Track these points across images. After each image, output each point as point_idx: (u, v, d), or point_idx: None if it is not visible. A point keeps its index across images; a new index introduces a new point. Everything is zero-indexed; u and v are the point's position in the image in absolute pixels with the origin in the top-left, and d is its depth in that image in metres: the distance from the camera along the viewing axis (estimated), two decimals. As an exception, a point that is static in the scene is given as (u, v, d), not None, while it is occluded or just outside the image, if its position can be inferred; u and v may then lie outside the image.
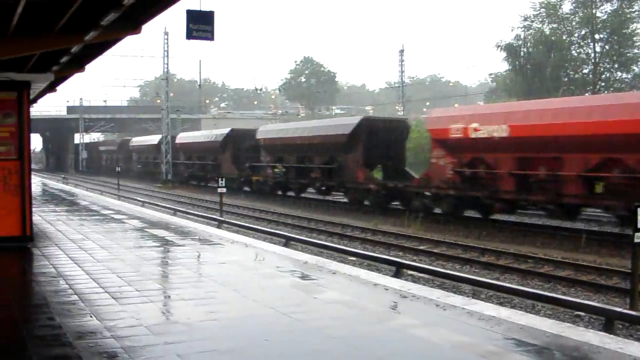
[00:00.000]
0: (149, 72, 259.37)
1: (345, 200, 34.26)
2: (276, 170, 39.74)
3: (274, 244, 16.49)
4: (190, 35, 15.60)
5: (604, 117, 20.14)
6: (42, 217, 19.35)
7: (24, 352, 6.21)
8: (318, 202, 35.14)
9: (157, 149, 61.92)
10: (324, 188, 36.01)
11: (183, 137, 58.84)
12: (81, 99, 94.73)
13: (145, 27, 11.31)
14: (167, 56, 60.16)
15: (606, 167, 20.69)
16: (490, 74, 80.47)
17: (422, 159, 40.52)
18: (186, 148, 56.53)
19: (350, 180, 32.60)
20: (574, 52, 61.61)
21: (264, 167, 42.12)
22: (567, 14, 62.30)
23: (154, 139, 64.76)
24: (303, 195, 39.23)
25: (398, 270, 14.47)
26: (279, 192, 40.42)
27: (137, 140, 73.61)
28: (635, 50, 60.80)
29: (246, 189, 43.51)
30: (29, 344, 6.49)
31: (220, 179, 27.70)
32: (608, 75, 61.94)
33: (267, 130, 43.30)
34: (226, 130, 48.25)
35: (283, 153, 39.40)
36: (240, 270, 10.98)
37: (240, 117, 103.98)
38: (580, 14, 61.02)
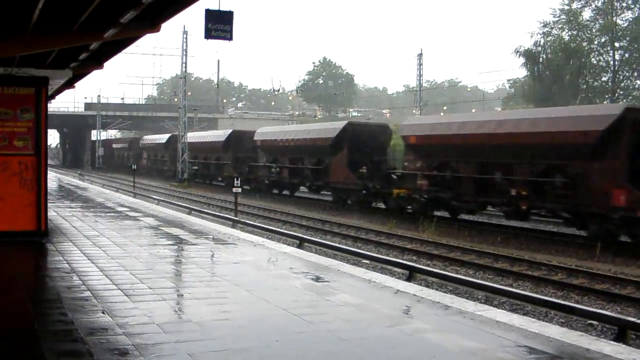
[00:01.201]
0: (167, 70, 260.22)
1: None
2: (272, 170, 42.72)
3: (288, 245, 16.51)
4: (208, 35, 15.65)
5: (547, 128, 22.10)
6: (58, 212, 19.44)
7: (36, 347, 6.23)
8: (333, 205, 35.08)
9: (165, 147, 63.91)
10: (314, 187, 39.25)
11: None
12: (99, 95, 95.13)
13: (164, 26, 11.33)
14: (186, 55, 60.21)
15: (550, 174, 22.55)
16: (509, 80, 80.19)
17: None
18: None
19: (335, 180, 35.29)
20: (593, 59, 61.28)
21: (260, 167, 45.29)
22: (587, 20, 62.02)
23: (163, 137, 66.66)
24: (296, 194, 42.75)
25: (411, 275, 14.44)
26: (275, 191, 43.43)
27: (147, 139, 77.17)
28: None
29: (245, 187, 42.73)
30: (41, 338, 6.52)
31: (236, 179, 28.00)
32: (627, 83, 61.60)
33: (264, 132, 46.11)
34: (229, 131, 53.00)
35: (277, 154, 42.52)
36: (253, 270, 10.99)
37: (257, 117, 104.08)
38: (601, 22, 60.71)
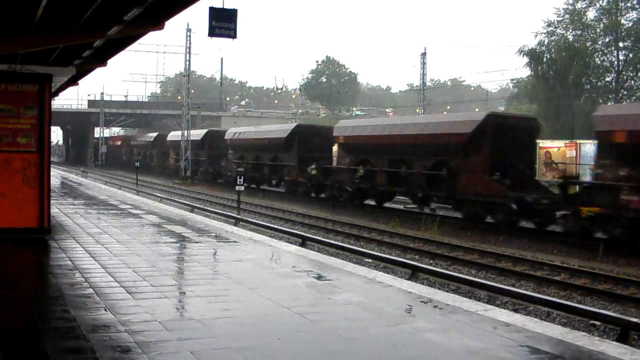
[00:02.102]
0: (171, 68, 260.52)
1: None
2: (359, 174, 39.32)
3: (291, 243, 16.51)
4: (212, 32, 15.65)
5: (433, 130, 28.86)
6: (60, 209, 19.45)
7: (38, 344, 6.24)
8: (333, 202, 35.09)
9: (201, 145, 57.93)
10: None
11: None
12: (102, 93, 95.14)
13: (168, 24, 11.34)
14: (189, 53, 60.12)
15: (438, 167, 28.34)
16: (512, 80, 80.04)
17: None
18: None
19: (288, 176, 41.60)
20: (597, 59, 61.14)
21: (343, 170, 38.80)
22: (591, 20, 61.88)
23: (197, 134, 61.04)
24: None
25: (414, 274, 14.45)
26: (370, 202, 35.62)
27: (138, 137, 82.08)
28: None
29: (313, 194, 40.63)
30: (44, 335, 6.52)
31: (239, 177, 28.04)
32: (632, 83, 61.48)
33: (348, 126, 41.43)
34: (291, 125, 48.58)
35: (370, 153, 37.36)
36: (255, 268, 10.99)
37: (260, 115, 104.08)
38: (605, 22, 60.57)
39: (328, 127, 43.03)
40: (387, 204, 33.82)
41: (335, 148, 37.80)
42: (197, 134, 57.70)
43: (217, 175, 53.79)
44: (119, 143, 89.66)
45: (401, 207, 33.54)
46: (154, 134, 71.91)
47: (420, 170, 28.96)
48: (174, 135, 64.56)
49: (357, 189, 33.85)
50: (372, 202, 33.87)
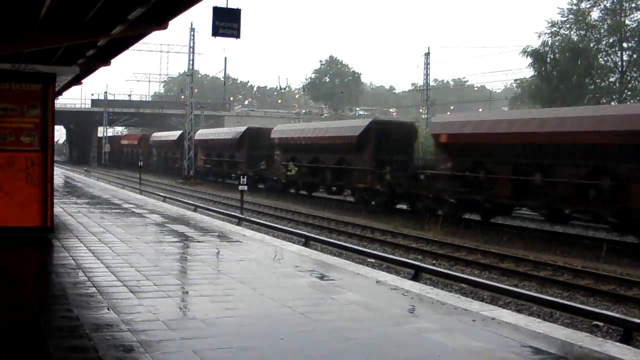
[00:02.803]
0: (174, 67, 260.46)
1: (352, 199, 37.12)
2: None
3: (294, 243, 16.51)
4: (216, 32, 15.68)
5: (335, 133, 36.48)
6: (64, 209, 19.46)
7: (41, 343, 6.24)
8: (338, 203, 35.13)
9: (238, 145, 50.90)
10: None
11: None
12: (106, 92, 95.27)
13: (172, 23, 11.35)
14: (193, 52, 60.18)
15: (341, 163, 35.81)
16: (516, 80, 79.87)
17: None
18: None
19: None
20: (601, 60, 61.07)
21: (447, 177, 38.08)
22: (595, 21, 61.79)
23: (232, 132, 54.99)
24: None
25: (417, 274, 14.44)
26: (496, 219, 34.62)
27: (206, 134, 77.82)
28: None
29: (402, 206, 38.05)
30: (47, 334, 6.52)
31: (242, 177, 28.10)
32: (636, 84, 61.39)
33: (454, 122, 43.46)
34: (365, 121, 39.87)
35: (296, 152, 43.99)
36: (258, 268, 10.99)
37: (264, 115, 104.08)
38: (609, 22, 60.49)
39: (410, 123, 41.25)
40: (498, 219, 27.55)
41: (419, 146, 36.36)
42: (232, 132, 50.83)
43: (257, 180, 45.93)
44: (134, 142, 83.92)
45: (340, 197, 36.65)
46: (178, 132, 66.54)
47: (329, 164, 35.66)
48: (203, 134, 59.04)
49: (291, 182, 36.47)
50: (476, 217, 27.32)
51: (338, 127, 39.15)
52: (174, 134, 65.97)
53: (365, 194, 33.81)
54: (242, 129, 49.36)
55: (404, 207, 31.79)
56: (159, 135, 73.37)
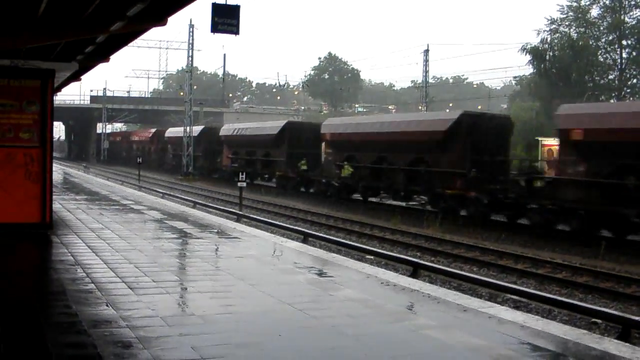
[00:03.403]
0: (173, 64, 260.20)
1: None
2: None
3: (292, 239, 16.49)
4: (215, 28, 15.65)
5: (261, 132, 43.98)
6: (62, 205, 19.45)
7: (40, 339, 6.24)
8: (337, 200, 35.08)
9: (276, 142, 46.10)
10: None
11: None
12: (105, 88, 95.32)
13: (171, 19, 11.33)
14: (192, 49, 60.17)
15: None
16: (515, 77, 79.84)
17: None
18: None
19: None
20: (600, 57, 61.04)
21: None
22: (594, 18, 61.75)
23: (268, 127, 53.61)
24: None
25: (415, 271, 14.44)
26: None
27: (136, 132, 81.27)
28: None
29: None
30: (45, 330, 6.52)
31: (241, 174, 28.19)
32: (635, 81, 61.39)
33: (230, 128, 52.93)
34: (456, 113, 35.20)
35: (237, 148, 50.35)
36: (257, 264, 10.99)
37: (263, 112, 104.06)
38: (609, 19, 60.45)
39: (504, 115, 36.34)
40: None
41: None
42: (267, 126, 47.83)
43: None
44: (145, 138, 77.59)
45: (403, 204, 31.51)
46: (199, 127, 61.27)
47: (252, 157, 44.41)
48: (231, 129, 52.53)
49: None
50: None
51: (417, 121, 31.68)
52: (194, 130, 59.87)
53: (452, 202, 27.38)
54: (281, 123, 44.84)
55: (521, 221, 25.24)
56: (175, 131, 66.09)
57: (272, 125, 45.76)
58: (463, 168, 26.77)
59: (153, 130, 78.23)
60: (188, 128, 58.48)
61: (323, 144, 39.49)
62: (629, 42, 60.18)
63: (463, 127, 27.19)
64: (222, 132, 52.60)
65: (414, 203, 31.87)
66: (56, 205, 17.47)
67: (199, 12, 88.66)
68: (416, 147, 29.23)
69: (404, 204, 31.73)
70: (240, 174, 29.13)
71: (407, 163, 30.04)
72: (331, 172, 36.05)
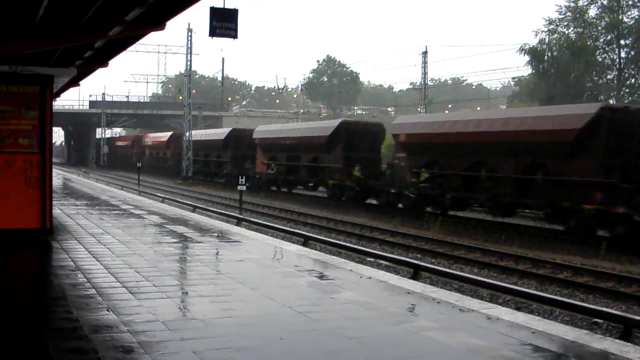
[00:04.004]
0: (172, 68, 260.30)
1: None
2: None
3: (293, 242, 16.49)
4: (213, 32, 15.67)
5: None
6: (62, 210, 19.45)
7: (41, 345, 6.24)
8: (336, 202, 35.06)
9: (328, 144, 47.10)
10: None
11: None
12: (104, 93, 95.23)
13: (169, 24, 11.33)
14: (190, 53, 60.18)
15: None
16: (514, 78, 79.83)
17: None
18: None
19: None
20: (598, 57, 61.08)
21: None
22: (592, 18, 61.78)
23: (220, 132, 54.92)
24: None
25: (416, 273, 14.43)
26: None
27: (147, 136, 78.26)
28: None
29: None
30: (46, 336, 6.52)
31: (241, 177, 28.08)
32: (633, 81, 61.42)
33: (267, 130, 48.51)
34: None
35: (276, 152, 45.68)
36: (258, 268, 10.98)
37: (262, 115, 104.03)
38: (607, 19, 60.48)
39: (218, 132, 44.97)
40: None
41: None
42: (314, 127, 42.80)
43: (359, 192, 38.74)
44: (160, 142, 71.47)
45: (510, 220, 26.15)
46: (226, 130, 54.61)
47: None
48: (267, 131, 46.85)
49: (196, 171, 51.47)
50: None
51: (535, 117, 24.19)
52: (219, 132, 54.33)
53: (589, 220, 21.63)
54: (335, 122, 37.92)
55: None
56: (200, 134, 60.33)
57: (324, 126, 39.91)
58: (604, 176, 21.37)
59: (169, 133, 71.25)
60: (187, 132, 58.38)
61: (393, 147, 34.26)
62: (627, 41, 60.22)
63: (603, 124, 21.38)
64: (256, 135, 45.81)
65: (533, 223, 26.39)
66: (56, 211, 17.47)
67: (198, 16, 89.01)
68: (534, 151, 23.31)
69: (510, 219, 26.21)
70: (240, 177, 28.45)
71: (520, 170, 24.21)
72: (404, 180, 30.42)
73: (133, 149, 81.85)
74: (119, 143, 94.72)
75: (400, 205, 30.67)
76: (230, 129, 52.56)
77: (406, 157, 30.57)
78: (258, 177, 45.20)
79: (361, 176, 35.10)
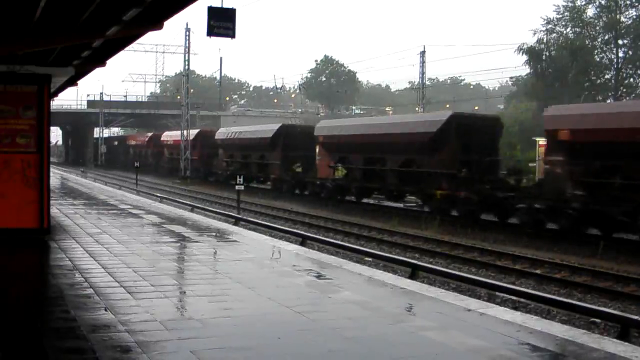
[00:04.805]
0: (170, 68, 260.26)
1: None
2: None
3: (291, 242, 16.49)
4: (211, 32, 15.62)
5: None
6: (60, 210, 19.45)
7: (38, 344, 6.23)
8: (335, 202, 35.05)
9: (193, 145, 55.93)
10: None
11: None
12: (101, 93, 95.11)
13: (167, 23, 11.32)
14: (188, 52, 60.29)
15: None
16: (512, 77, 79.92)
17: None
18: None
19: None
20: (596, 57, 61.16)
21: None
22: (590, 18, 61.87)
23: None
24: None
25: (414, 272, 14.43)
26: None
27: (164, 134, 73.70)
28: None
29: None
30: (44, 336, 6.52)
31: (238, 177, 28.07)
32: (631, 80, 61.51)
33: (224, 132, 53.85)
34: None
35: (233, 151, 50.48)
36: (256, 268, 10.98)
37: (260, 115, 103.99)
38: (605, 19, 60.56)
39: (213, 130, 48.09)
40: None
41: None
42: (264, 129, 45.58)
43: (208, 174, 55.92)
44: (141, 142, 76.05)
45: (400, 205, 31.76)
46: (194, 131, 58.06)
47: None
48: (226, 133, 51.70)
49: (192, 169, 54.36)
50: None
51: (404, 123, 31.22)
52: (265, 129, 45.96)
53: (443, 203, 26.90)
54: (276, 126, 44.25)
55: None
56: (171, 135, 64.04)
57: (267, 129, 45.46)
58: (451, 169, 27.28)
59: (149, 134, 77.59)
60: (185, 132, 58.37)
61: (317, 147, 38.21)
62: (625, 41, 60.31)
63: (452, 128, 27.58)
64: (218, 136, 53.13)
65: (412, 204, 31.58)
66: (54, 211, 17.47)
67: (195, 15, 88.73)
68: (407, 149, 29.60)
69: (401, 205, 31.98)
70: (237, 177, 28.83)
71: (400, 165, 30.23)
72: (324, 174, 36.56)
73: (149, 148, 74.90)
74: (131, 142, 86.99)
75: (322, 195, 36.21)
76: (280, 124, 46.64)
77: (325, 154, 37.09)
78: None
79: (301, 171, 41.42)
